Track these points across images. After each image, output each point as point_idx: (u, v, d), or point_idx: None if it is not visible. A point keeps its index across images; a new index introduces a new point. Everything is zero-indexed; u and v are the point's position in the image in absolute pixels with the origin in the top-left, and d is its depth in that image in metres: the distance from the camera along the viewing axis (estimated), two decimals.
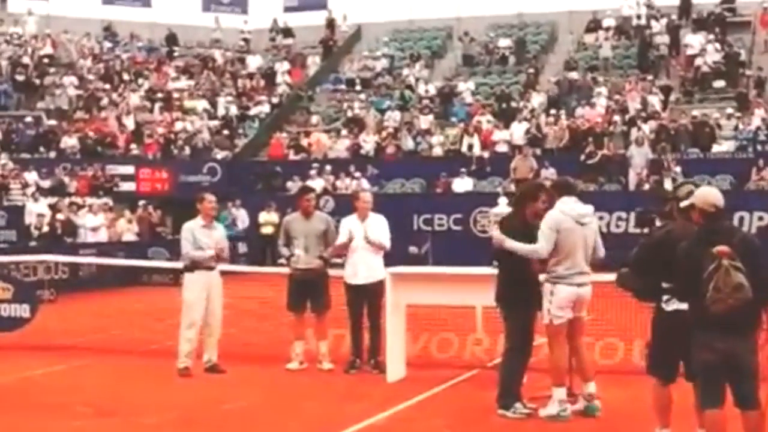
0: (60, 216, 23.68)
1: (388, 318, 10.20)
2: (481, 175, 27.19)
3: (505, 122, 28.81)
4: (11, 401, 9.52)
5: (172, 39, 37.44)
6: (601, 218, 19.56)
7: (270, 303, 12.87)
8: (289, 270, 11.15)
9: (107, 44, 36.74)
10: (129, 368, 11.30)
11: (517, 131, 27.94)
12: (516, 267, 8.50)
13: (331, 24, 37.47)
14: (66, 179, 26.89)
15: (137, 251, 22.05)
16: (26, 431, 8.40)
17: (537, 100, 30.06)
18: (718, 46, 30.32)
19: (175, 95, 33.44)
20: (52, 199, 24.95)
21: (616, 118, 27.36)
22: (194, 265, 10.80)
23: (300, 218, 11.23)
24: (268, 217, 25.10)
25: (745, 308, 5.96)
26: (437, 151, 28.89)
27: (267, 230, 24.62)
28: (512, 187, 24.13)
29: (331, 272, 11.20)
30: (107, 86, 33.43)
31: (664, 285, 6.75)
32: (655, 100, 28.57)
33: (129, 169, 28.60)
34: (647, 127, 26.61)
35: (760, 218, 22.79)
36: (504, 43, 34.56)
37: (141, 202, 26.34)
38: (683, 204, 6.70)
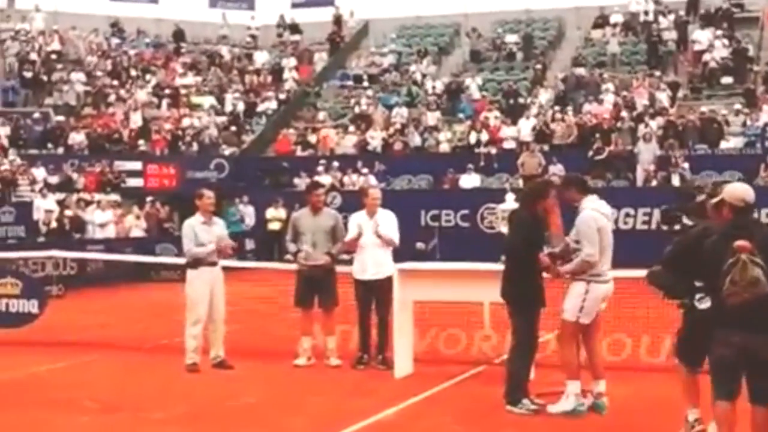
0: (68, 212, 23.75)
1: (395, 314, 10.21)
2: (488, 172, 27.15)
3: (513, 118, 28.77)
4: (19, 397, 9.55)
5: (179, 35, 37.43)
6: None
7: (277, 299, 12.88)
8: (297, 266, 11.16)
9: (114, 40, 36.75)
10: (137, 364, 11.33)
11: (525, 127, 27.90)
12: (523, 263, 8.50)
13: (338, 20, 37.47)
14: (74, 175, 26.92)
15: (145, 247, 22.10)
16: (34, 426, 8.42)
17: (544, 96, 30.04)
18: (726, 41, 30.22)
19: (183, 91, 33.43)
20: (60, 195, 25.02)
21: (624, 114, 27.30)
22: (197, 262, 10.82)
23: (308, 214, 11.23)
24: (275, 213, 25.14)
25: (764, 303, 5.98)
26: (444, 148, 28.87)
27: (274, 226, 24.66)
28: (520, 184, 24.12)
29: (339, 268, 11.21)
30: (115, 82, 33.47)
31: (698, 284, 6.78)
32: (662, 96, 28.51)
33: (137, 165, 28.61)
34: (655, 124, 26.55)
35: None
36: (511, 39, 34.50)
37: (148, 198, 26.38)
38: (714, 200, 6.75)
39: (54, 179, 26.28)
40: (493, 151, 27.67)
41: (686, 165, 24.44)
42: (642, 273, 10.10)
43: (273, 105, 33.03)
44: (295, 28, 38.11)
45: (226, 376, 10.56)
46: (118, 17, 37.93)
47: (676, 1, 33.59)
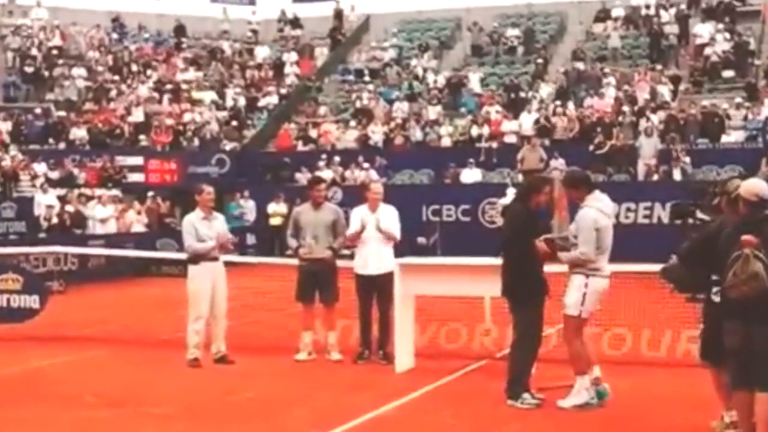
0: (69, 207, 23.72)
1: (396, 309, 10.21)
2: (489, 166, 27.15)
3: (514, 113, 28.75)
4: (21, 392, 9.56)
5: (180, 30, 37.42)
6: None
7: (278, 294, 12.88)
8: (298, 261, 11.16)
9: (116, 35, 36.78)
10: (138, 359, 11.33)
11: (526, 122, 27.87)
12: (523, 258, 8.51)
13: (339, 14, 37.45)
14: (75, 170, 26.94)
15: (146, 242, 22.05)
16: (36, 421, 8.42)
17: (546, 90, 30.00)
18: (727, 35, 30.21)
19: (184, 86, 33.43)
20: (62, 191, 25.01)
21: (625, 108, 27.26)
22: (198, 257, 10.82)
23: (309, 209, 11.23)
24: (276, 208, 25.14)
25: (764, 297, 6.10)
26: (446, 142, 28.84)
27: (275, 221, 24.66)
28: (521, 178, 24.10)
29: (341, 263, 11.21)
30: (116, 78, 33.49)
31: (714, 277, 6.83)
32: (664, 90, 28.48)
33: (138, 161, 28.60)
34: (656, 118, 26.53)
35: None
36: (512, 33, 34.47)
37: (150, 194, 26.33)
38: (731, 195, 6.85)
39: (55, 174, 26.28)
40: (495, 145, 27.66)
41: (687, 159, 24.43)
42: (639, 267, 10.18)
43: (274, 100, 33.03)
44: (296, 23, 38.11)
45: (228, 371, 10.57)
46: (119, 12, 37.93)
47: None
